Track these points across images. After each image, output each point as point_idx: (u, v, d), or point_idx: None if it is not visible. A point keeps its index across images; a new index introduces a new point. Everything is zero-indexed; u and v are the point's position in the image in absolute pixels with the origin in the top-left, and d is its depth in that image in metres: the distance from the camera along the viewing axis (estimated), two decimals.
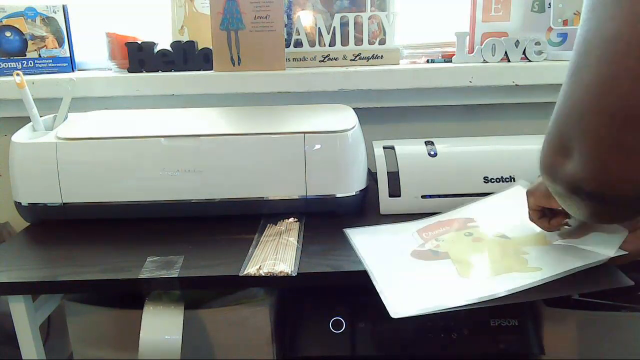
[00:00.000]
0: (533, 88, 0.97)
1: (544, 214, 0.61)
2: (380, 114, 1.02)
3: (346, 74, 0.95)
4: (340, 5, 1.03)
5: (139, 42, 0.99)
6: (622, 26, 0.33)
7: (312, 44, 1.01)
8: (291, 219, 0.77)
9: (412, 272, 0.62)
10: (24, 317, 0.66)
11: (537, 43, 0.96)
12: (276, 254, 0.66)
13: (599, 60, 0.35)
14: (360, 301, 0.73)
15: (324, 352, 0.71)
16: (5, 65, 1.02)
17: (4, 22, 1.01)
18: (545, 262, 0.58)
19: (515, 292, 0.54)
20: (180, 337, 0.62)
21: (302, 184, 0.76)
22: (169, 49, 0.99)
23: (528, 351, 0.70)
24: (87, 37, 1.10)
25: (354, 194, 0.78)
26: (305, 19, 1.01)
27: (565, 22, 0.98)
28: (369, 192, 0.81)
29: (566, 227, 0.62)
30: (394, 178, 0.80)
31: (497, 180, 0.79)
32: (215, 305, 0.71)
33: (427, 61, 1.02)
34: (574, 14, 0.97)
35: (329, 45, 1.01)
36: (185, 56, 0.99)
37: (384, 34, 1.00)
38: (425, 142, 0.84)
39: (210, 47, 0.97)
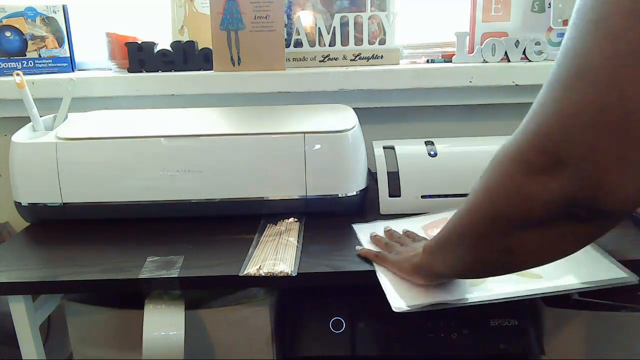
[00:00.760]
0: (533, 88, 0.97)
1: None
2: (380, 114, 1.02)
3: (346, 74, 0.95)
4: (340, 5, 1.03)
5: (139, 42, 0.99)
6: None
7: (312, 44, 1.01)
8: (291, 219, 0.77)
9: None
10: (24, 317, 0.66)
11: (537, 43, 0.96)
12: (276, 254, 0.66)
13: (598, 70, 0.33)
14: (360, 301, 0.73)
15: (324, 352, 0.71)
16: (5, 65, 1.02)
17: (4, 22, 1.01)
18: (546, 271, 0.57)
19: (510, 297, 0.55)
20: (183, 333, 0.62)
21: (302, 184, 0.76)
22: (169, 49, 0.99)
23: (528, 351, 0.70)
24: (87, 37, 1.10)
25: (354, 194, 0.78)
26: (305, 19, 1.01)
27: (565, 22, 0.97)
28: (369, 192, 0.81)
29: None
30: (394, 178, 0.80)
31: None
32: (215, 305, 0.71)
33: (427, 61, 1.02)
34: None
35: (329, 45, 1.01)
36: (185, 56, 0.99)
37: (384, 34, 1.00)
38: (425, 142, 0.84)
39: (210, 47, 0.97)
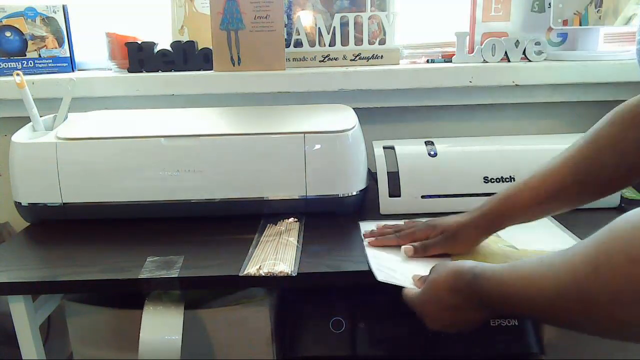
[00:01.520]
0: (533, 88, 0.97)
1: None
2: (380, 114, 1.02)
3: (346, 74, 0.95)
4: (340, 5, 1.03)
5: (139, 42, 0.99)
6: None
7: (312, 44, 1.01)
8: (291, 219, 0.77)
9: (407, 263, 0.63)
10: (24, 317, 0.66)
11: (537, 43, 0.96)
12: (276, 254, 0.66)
13: None
14: (360, 301, 0.73)
15: (324, 352, 0.71)
16: (5, 65, 1.02)
17: (4, 22, 1.01)
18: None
19: None
20: (180, 337, 0.62)
21: (302, 184, 0.76)
22: (169, 49, 0.99)
23: (528, 351, 0.70)
24: (87, 37, 1.10)
25: (354, 194, 0.78)
26: (305, 19, 1.01)
27: (565, 22, 0.98)
28: (369, 192, 0.81)
29: None
30: (394, 178, 0.80)
31: (497, 180, 0.79)
32: (215, 305, 0.71)
33: (427, 61, 1.02)
34: (574, 14, 0.97)
35: (329, 45, 1.01)
36: (185, 56, 0.99)
37: (384, 34, 1.00)
38: (425, 142, 0.83)
39: (210, 47, 0.97)
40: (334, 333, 0.71)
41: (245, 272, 0.61)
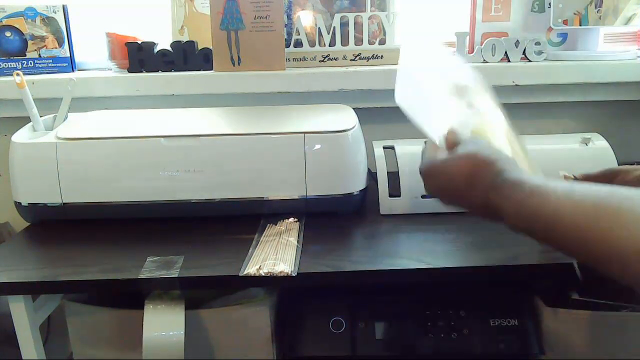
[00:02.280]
0: (533, 88, 0.97)
1: None
2: (380, 114, 1.02)
3: (346, 74, 0.95)
4: (340, 5, 1.03)
5: (139, 42, 0.99)
6: None
7: (312, 44, 1.01)
8: (291, 219, 0.77)
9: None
10: (24, 317, 0.66)
11: (537, 43, 0.96)
12: (276, 254, 0.66)
13: None
14: (360, 301, 0.73)
15: (324, 352, 0.71)
16: (5, 65, 1.02)
17: (4, 22, 1.01)
18: None
19: None
20: (183, 332, 0.62)
21: (302, 184, 0.76)
22: (169, 49, 0.99)
23: (528, 351, 0.70)
24: (87, 37, 1.10)
25: (354, 193, 0.78)
26: (305, 19, 1.01)
27: (565, 22, 0.98)
28: (369, 192, 0.81)
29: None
30: (394, 178, 0.80)
31: None
32: (215, 305, 0.71)
33: None
34: (574, 14, 0.97)
35: (329, 45, 1.01)
36: (185, 56, 0.99)
37: (384, 34, 1.00)
38: (425, 142, 0.83)
39: (210, 47, 0.97)
40: (334, 333, 0.71)
41: (245, 272, 0.61)
